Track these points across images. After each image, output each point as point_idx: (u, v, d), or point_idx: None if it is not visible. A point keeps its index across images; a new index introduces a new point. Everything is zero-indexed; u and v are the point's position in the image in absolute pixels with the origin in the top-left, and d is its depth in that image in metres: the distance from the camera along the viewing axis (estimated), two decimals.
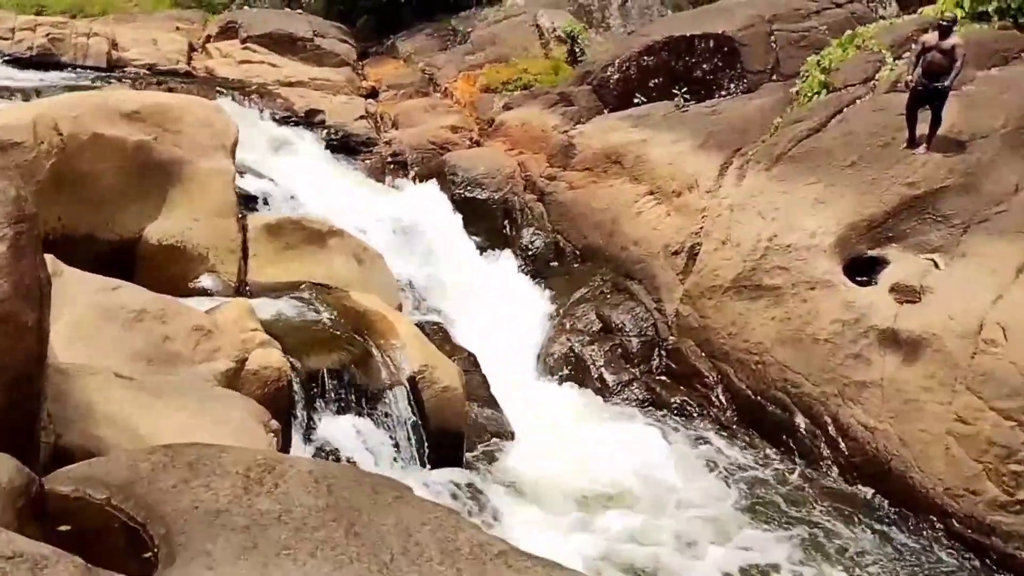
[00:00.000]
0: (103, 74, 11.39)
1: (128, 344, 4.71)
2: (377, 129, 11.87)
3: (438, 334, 8.35)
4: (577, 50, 14.30)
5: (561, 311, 9.58)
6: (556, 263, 10.40)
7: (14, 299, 3.12)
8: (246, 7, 15.92)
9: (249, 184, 9.14)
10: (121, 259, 6.73)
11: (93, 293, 4.77)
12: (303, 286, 7.15)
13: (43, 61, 11.26)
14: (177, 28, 14.19)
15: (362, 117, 11.83)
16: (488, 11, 15.63)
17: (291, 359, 6.02)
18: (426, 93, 13.28)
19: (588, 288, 9.75)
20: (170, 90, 10.90)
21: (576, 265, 10.35)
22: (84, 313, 4.68)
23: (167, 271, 6.80)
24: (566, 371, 8.83)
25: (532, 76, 13.37)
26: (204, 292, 6.81)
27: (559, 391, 8.67)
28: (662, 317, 9.26)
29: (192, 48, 13.67)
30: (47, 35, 11.45)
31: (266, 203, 8.81)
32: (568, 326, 9.29)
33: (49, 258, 4.84)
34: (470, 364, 8.07)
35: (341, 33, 14.48)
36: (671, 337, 9.03)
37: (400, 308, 7.79)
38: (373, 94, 13.12)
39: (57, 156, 6.17)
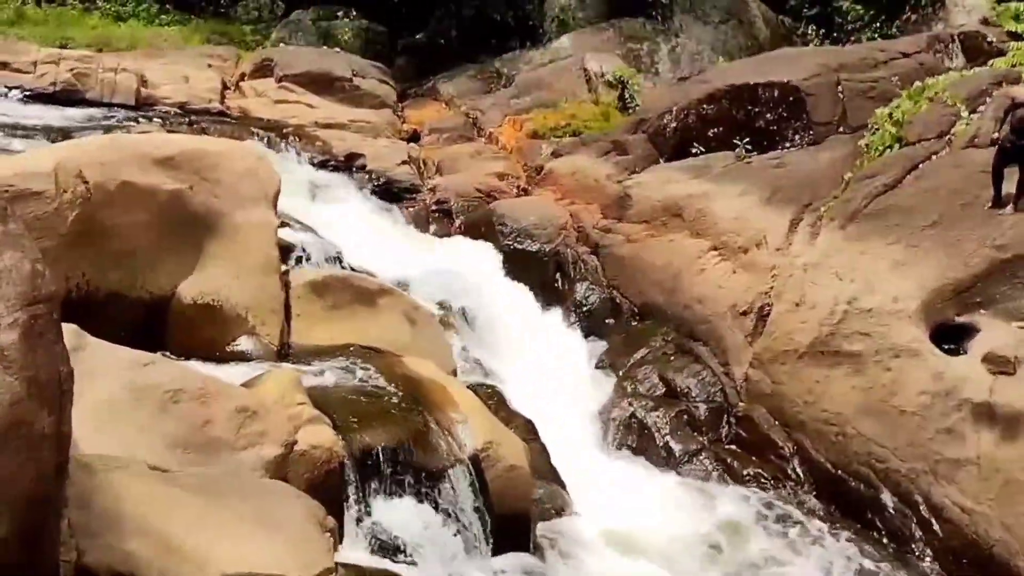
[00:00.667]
0: (131, 112, 10.91)
1: (163, 429, 4.06)
2: (420, 175, 11.32)
3: (493, 398, 7.65)
4: (627, 96, 13.79)
5: (621, 373, 8.90)
6: (612, 320, 9.73)
7: (26, 402, 2.49)
8: (281, 44, 15.52)
9: (288, 234, 8.56)
10: (152, 320, 6.12)
11: (123, 370, 4.14)
12: (352, 349, 6.51)
13: (67, 97, 10.79)
14: (209, 65, 13.77)
15: (404, 162, 11.28)
16: (533, 53, 15.19)
17: (342, 436, 5.36)
18: (470, 138, 12.75)
19: (649, 349, 9.06)
20: (203, 131, 10.42)
21: (635, 323, 9.67)
22: (113, 394, 4.04)
23: (202, 333, 6.18)
24: (629, 439, 8.16)
25: (582, 122, 12.85)
26: (243, 356, 6.17)
27: (622, 461, 8.01)
28: (730, 382, 8.60)
29: (225, 86, 13.24)
30: (71, 70, 10.99)
31: (306, 256, 8.22)
32: (629, 389, 8.59)
33: (71, 329, 4.23)
34: (528, 433, 7.37)
35: (380, 73, 14.03)
36: (741, 403, 8.35)
37: (455, 373, 7.11)
38: (414, 138, 12.60)
39: (82, 207, 5.59)
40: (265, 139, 10.76)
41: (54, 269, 5.60)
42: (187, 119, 10.91)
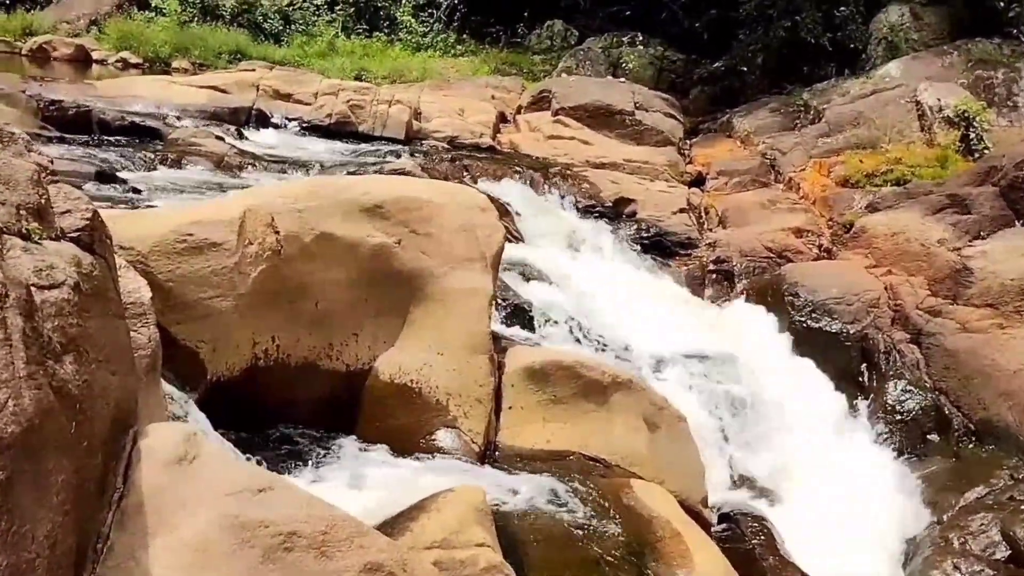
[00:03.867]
0: (397, 146, 10.58)
1: None
2: (699, 227, 9.81)
3: (758, 535, 5.98)
4: (972, 136, 11.24)
5: (946, 517, 6.73)
6: (937, 437, 7.51)
7: None
8: (564, 74, 14.75)
9: (532, 291, 7.51)
10: (345, 397, 5.27)
11: (230, 496, 3.19)
12: (570, 460, 5.23)
13: (340, 130, 10.73)
14: (493, 96, 13.32)
15: (682, 210, 9.84)
16: (851, 83, 12.99)
17: None
18: (765, 183, 11.00)
19: (989, 488, 6.78)
20: (464, 168, 9.77)
21: (970, 446, 7.39)
22: (210, 530, 3.10)
23: (396, 419, 5.22)
24: None
25: (909, 168, 10.57)
26: (439, 452, 5.13)
27: None
28: None
29: (503, 119, 12.68)
30: (348, 101, 10.90)
31: (547, 322, 7.10)
32: (956, 545, 6.39)
33: (185, 430, 3.40)
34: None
35: (668, 106, 12.71)
36: None
37: (705, 502, 5.55)
38: (699, 181, 11.10)
39: (270, 261, 4.85)
40: (527, 179, 9.89)
41: (230, 332, 4.97)
42: (450, 155, 10.37)
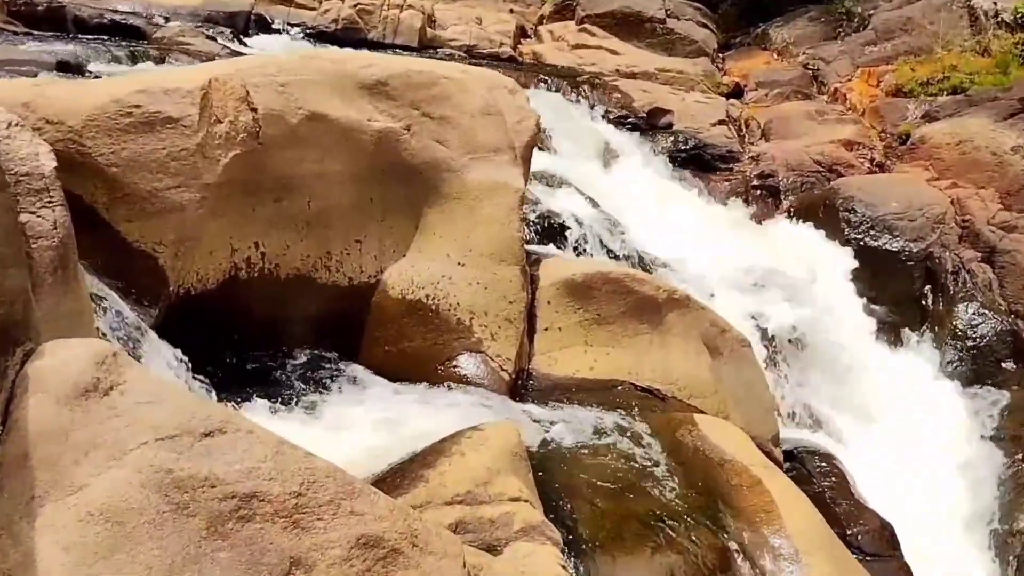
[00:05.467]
0: (411, 55, 9.28)
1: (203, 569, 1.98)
2: (741, 140, 8.54)
3: (829, 476, 4.89)
4: None
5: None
6: (1014, 365, 6.37)
7: None
8: None
9: (558, 202, 6.33)
10: (346, 317, 4.17)
11: (160, 443, 2.10)
12: (618, 390, 4.11)
13: (347, 36, 9.42)
14: (512, 10, 11.92)
15: (721, 122, 8.56)
16: None
17: (577, 563, 3.03)
18: (808, 95, 9.66)
19: None
20: None
21: None
22: (129, 491, 2.02)
23: (408, 343, 4.11)
24: None
25: (966, 76, 9.20)
26: (461, 382, 4.02)
27: None
28: None
29: (523, 32, 11.31)
30: (355, 5, 9.56)
31: (579, 232, 5.94)
32: None
33: (105, 350, 2.29)
34: (884, 545, 4.53)
35: (700, 15, 11.30)
36: None
37: (776, 440, 4.44)
38: (736, 93, 9.77)
39: (246, 145, 3.69)
40: (554, 87, 8.62)
41: (199, 233, 3.80)
42: (470, 64, 9.07)
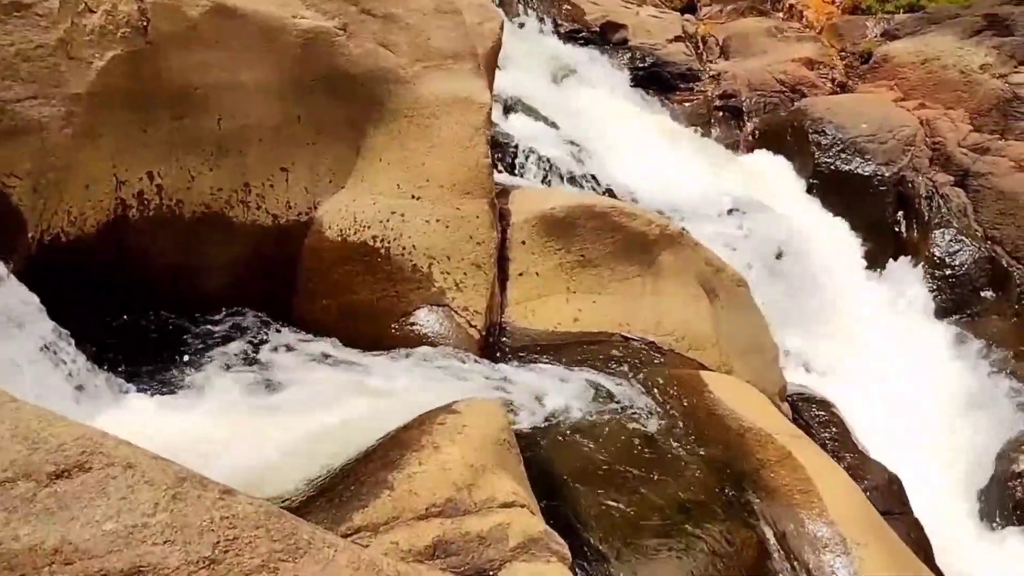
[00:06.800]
0: None
1: None
2: (699, 58, 7.74)
3: (828, 426, 4.30)
4: None
5: (1013, 390, 5.19)
6: (992, 292, 5.88)
7: None
8: None
9: (514, 126, 5.47)
10: (274, 265, 3.28)
11: None
12: (611, 343, 3.36)
13: None
14: None
15: (678, 38, 7.73)
16: None
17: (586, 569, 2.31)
18: (763, 11, 8.88)
19: None
20: None
21: None
22: None
23: (354, 295, 3.25)
24: None
25: None
26: (421, 342, 3.19)
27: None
28: None
29: None
30: None
31: (538, 162, 5.11)
32: None
33: None
34: (893, 499, 3.98)
35: None
36: None
37: (783, 393, 3.79)
38: (690, 8, 8.93)
39: (130, 44, 2.71)
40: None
41: (68, 160, 2.68)
42: None
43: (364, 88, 3.22)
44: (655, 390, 3.07)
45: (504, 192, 3.61)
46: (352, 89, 3.21)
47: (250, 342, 2.93)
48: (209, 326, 2.99)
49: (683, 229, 3.68)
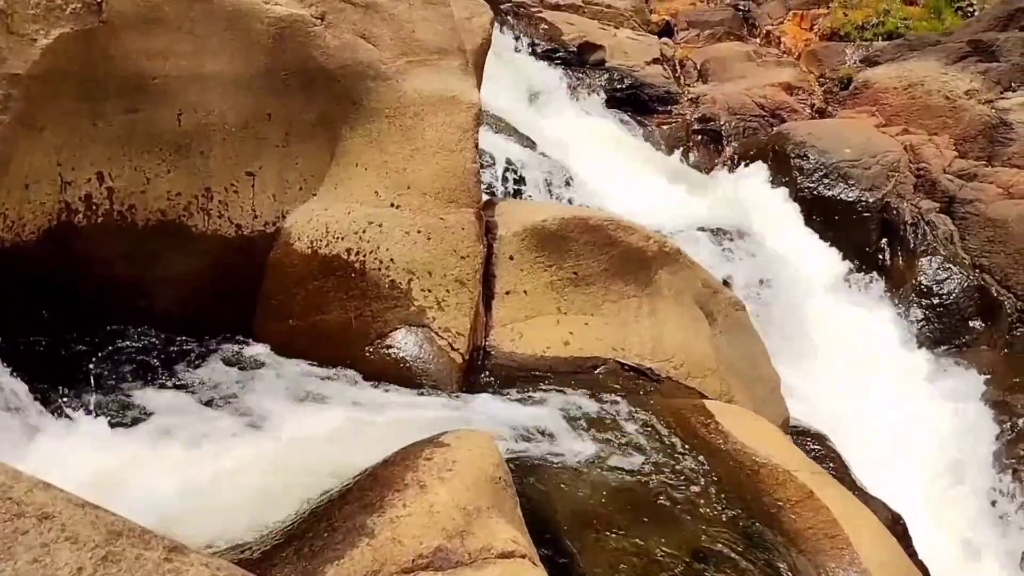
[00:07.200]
0: None
1: None
2: (677, 81, 7.61)
3: (825, 461, 4.05)
4: None
5: (1009, 426, 5.02)
6: (982, 323, 5.75)
7: None
8: None
9: (489, 143, 5.21)
10: (235, 278, 2.95)
11: None
12: (603, 370, 3.08)
13: None
14: None
15: (656, 61, 7.60)
16: None
17: None
18: (740, 36, 8.83)
19: None
20: None
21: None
22: None
23: (324, 315, 2.93)
24: None
25: (899, 20, 8.60)
26: (398, 370, 2.88)
27: None
28: None
29: None
30: None
31: (517, 181, 4.86)
32: None
33: None
34: (898, 539, 3.72)
35: None
36: None
37: (787, 426, 3.55)
38: (667, 32, 8.83)
39: (79, 22, 2.40)
40: None
41: (5, 155, 2.33)
42: None
43: (341, 84, 2.93)
44: (657, 422, 2.79)
45: (490, 203, 3.34)
46: (328, 85, 2.92)
47: (205, 361, 2.60)
48: (158, 344, 2.65)
49: (679, 250, 3.43)
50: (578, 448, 2.63)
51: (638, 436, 2.74)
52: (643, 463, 2.60)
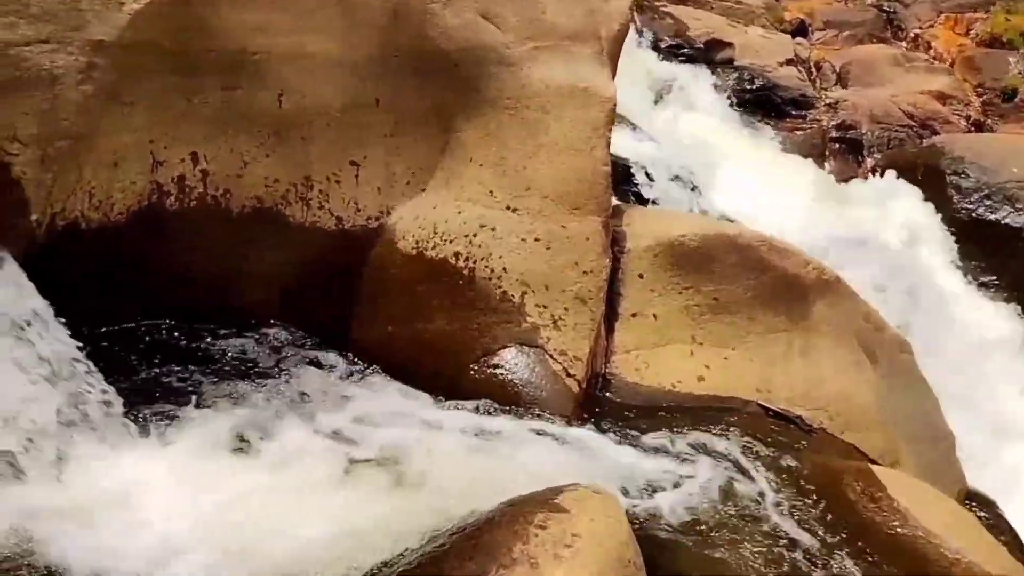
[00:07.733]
0: None
1: None
2: (813, 83, 6.98)
3: (996, 535, 3.47)
4: None
5: None
6: None
7: None
8: None
9: (618, 144, 4.78)
10: (335, 278, 2.65)
11: None
12: (743, 414, 2.63)
13: None
14: None
15: (789, 62, 6.98)
16: None
17: None
18: (883, 39, 8.08)
19: None
20: None
21: None
22: None
23: (427, 323, 2.59)
24: None
25: None
26: (507, 390, 2.51)
27: None
28: None
29: None
30: None
31: (641, 185, 4.42)
32: None
33: None
34: None
35: None
36: None
37: (963, 496, 2.99)
38: (801, 31, 8.17)
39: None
40: None
41: (90, 131, 2.06)
42: None
43: (458, 69, 2.58)
44: (810, 486, 2.32)
45: (617, 210, 2.92)
46: (444, 70, 2.57)
47: (294, 368, 2.30)
48: (246, 343, 2.37)
49: (839, 278, 2.92)
50: (709, 509, 2.19)
51: (788, 501, 2.28)
52: (792, 536, 2.13)
